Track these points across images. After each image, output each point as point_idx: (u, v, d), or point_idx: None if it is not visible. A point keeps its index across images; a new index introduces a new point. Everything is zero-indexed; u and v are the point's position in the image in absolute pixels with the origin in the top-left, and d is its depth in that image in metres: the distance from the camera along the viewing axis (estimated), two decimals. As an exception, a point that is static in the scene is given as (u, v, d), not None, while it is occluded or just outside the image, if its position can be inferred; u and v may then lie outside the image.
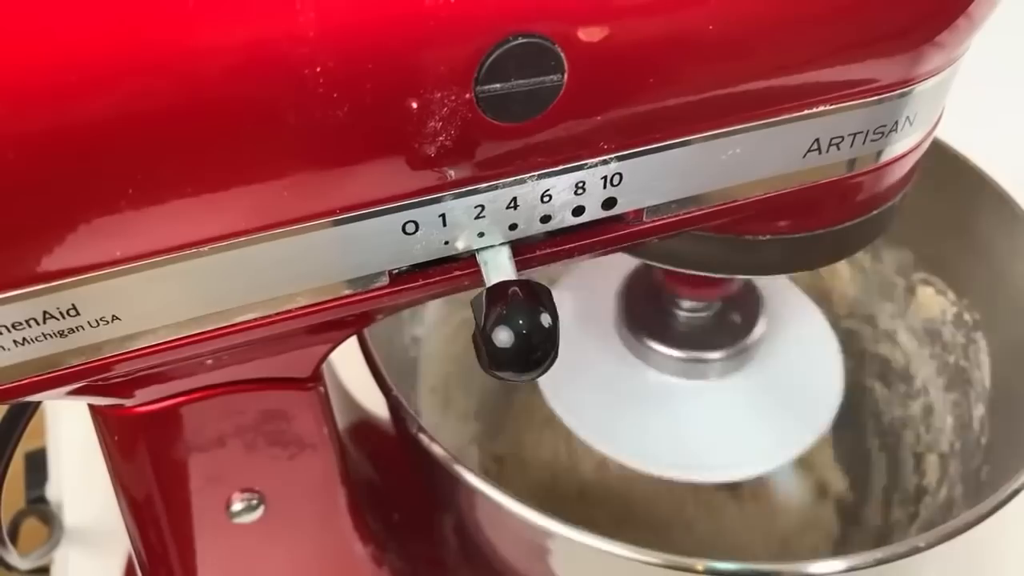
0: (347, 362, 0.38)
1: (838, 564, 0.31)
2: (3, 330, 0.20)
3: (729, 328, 0.40)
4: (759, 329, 0.40)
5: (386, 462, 0.41)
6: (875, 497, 0.50)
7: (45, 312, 0.20)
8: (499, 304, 0.21)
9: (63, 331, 0.21)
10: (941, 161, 0.44)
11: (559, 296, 0.44)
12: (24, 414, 0.33)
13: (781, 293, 0.44)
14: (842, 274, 0.52)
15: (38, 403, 0.33)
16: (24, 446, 0.59)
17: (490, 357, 0.21)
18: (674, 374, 0.39)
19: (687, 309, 0.40)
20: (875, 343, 0.52)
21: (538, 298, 0.22)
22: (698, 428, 0.38)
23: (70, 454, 0.56)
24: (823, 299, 0.54)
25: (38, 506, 0.55)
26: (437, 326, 0.50)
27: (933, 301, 0.47)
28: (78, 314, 0.21)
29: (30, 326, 0.20)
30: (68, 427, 0.58)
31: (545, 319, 0.21)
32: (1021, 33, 0.62)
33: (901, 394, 0.51)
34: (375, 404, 0.39)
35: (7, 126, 0.17)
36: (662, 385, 0.39)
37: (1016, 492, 0.33)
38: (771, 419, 0.39)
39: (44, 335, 0.21)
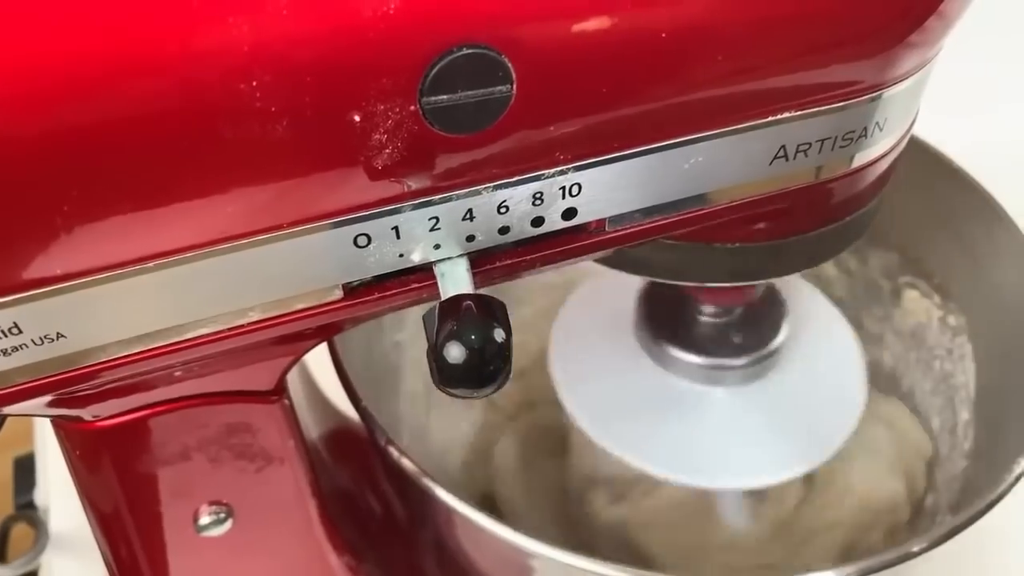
0: (325, 368, 0.38)
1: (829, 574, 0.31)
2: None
3: (751, 335, 0.38)
4: (780, 337, 0.38)
5: (363, 470, 0.40)
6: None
7: (-15, 331, 0.20)
8: (451, 319, 0.21)
9: (6, 350, 0.20)
10: (926, 163, 0.43)
11: (579, 298, 0.42)
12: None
13: (806, 300, 0.42)
14: (828, 275, 0.51)
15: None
16: (13, 451, 0.59)
17: (441, 373, 0.21)
18: (694, 380, 0.38)
19: (709, 314, 0.38)
20: (864, 346, 0.51)
21: (491, 312, 0.21)
22: (714, 436, 0.38)
23: (57, 459, 0.56)
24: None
25: (27, 511, 0.54)
26: (419, 331, 0.49)
27: (919, 305, 0.47)
28: (20, 332, 0.20)
29: (-30, 345, 0.20)
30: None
31: (498, 334, 0.21)
32: (1005, 32, 0.61)
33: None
34: (354, 410, 0.38)
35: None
36: (680, 391, 0.38)
37: (1000, 498, 0.32)
38: (786, 432, 0.38)
39: (-14, 353, 0.20)
